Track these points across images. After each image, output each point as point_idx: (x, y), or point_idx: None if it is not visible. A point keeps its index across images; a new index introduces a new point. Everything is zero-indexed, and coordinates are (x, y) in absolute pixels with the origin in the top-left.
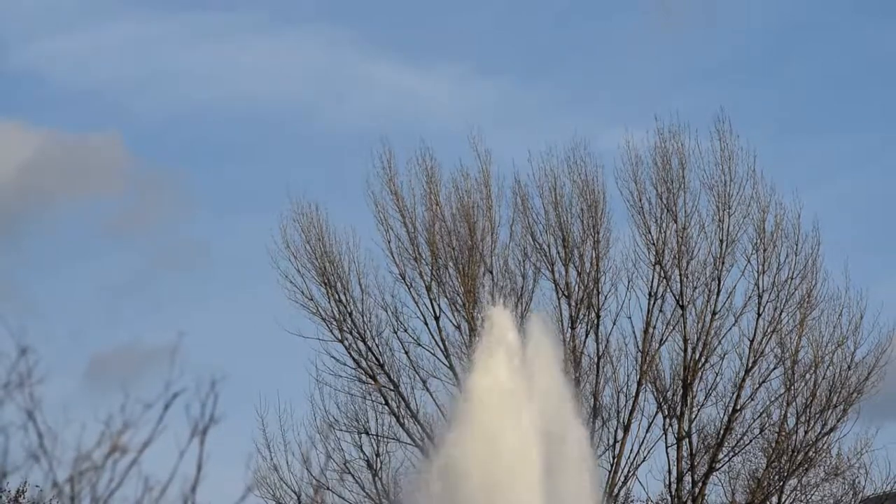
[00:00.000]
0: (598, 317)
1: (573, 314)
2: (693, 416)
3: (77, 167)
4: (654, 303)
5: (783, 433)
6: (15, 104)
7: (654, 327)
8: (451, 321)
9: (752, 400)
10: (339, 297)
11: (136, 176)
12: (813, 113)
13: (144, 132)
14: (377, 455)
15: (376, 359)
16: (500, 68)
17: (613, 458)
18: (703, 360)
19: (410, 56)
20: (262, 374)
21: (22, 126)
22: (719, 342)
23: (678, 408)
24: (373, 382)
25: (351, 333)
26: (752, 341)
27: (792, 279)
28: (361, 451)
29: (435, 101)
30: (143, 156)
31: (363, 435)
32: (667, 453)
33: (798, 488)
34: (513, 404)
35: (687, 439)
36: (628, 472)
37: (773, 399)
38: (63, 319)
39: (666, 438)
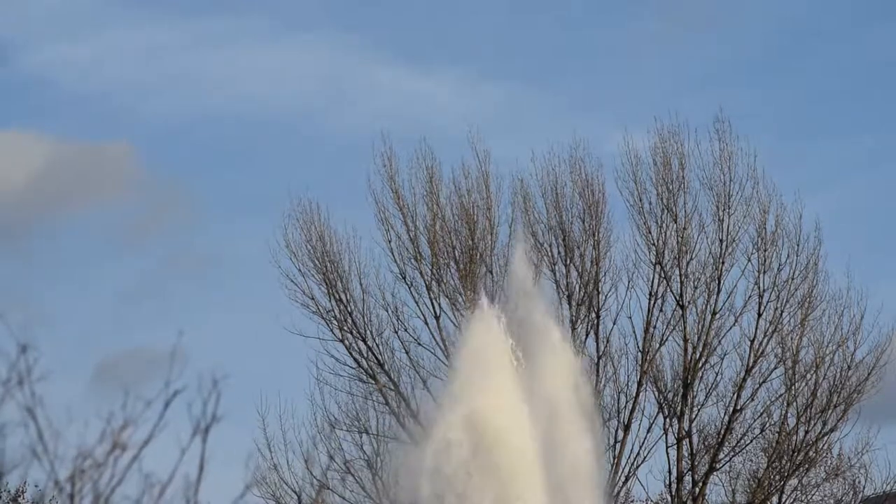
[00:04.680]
0: (598, 317)
1: (573, 314)
2: (693, 416)
3: (86, 174)
4: (655, 303)
5: (784, 433)
6: (24, 111)
7: (655, 327)
8: (451, 321)
9: (753, 400)
10: (339, 296)
11: (144, 182)
12: (814, 117)
13: (153, 138)
14: (377, 455)
15: (377, 358)
16: (504, 72)
17: (614, 458)
18: (703, 360)
19: (415, 60)
20: (262, 374)
21: (33, 135)
22: (719, 342)
23: (678, 408)
24: (373, 382)
25: (351, 333)
26: (752, 341)
27: (793, 279)
28: (361, 450)
29: (439, 104)
30: (151, 162)
31: (363, 434)
32: (667, 453)
33: (798, 488)
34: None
35: (687, 439)
36: (628, 472)
37: (773, 399)
38: (72, 326)
39: (666, 438)
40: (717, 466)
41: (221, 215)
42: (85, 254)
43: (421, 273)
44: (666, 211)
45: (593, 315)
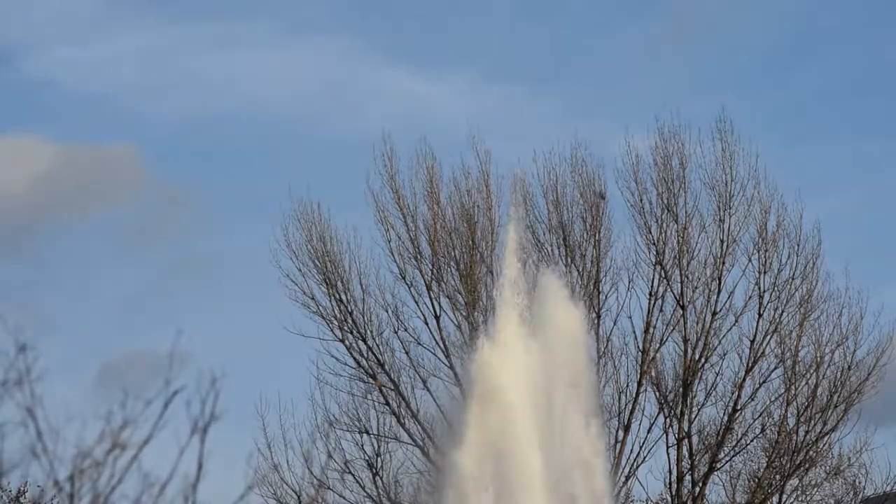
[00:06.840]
0: (598, 316)
1: None
2: (693, 416)
3: (89, 177)
4: (655, 303)
5: (783, 433)
6: (28, 113)
7: (655, 327)
8: (451, 321)
9: (753, 400)
10: (339, 296)
11: (147, 184)
12: (815, 118)
13: (156, 140)
14: (377, 455)
15: (377, 358)
16: (506, 75)
17: (614, 458)
18: (703, 360)
19: (417, 62)
20: (262, 374)
21: (36, 137)
22: (719, 342)
23: (678, 408)
24: (373, 382)
25: (352, 333)
26: (752, 341)
27: (793, 279)
28: (362, 450)
29: (441, 107)
30: (154, 164)
31: (364, 434)
32: (667, 453)
33: (798, 488)
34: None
35: (687, 439)
36: (629, 472)
37: (773, 399)
38: (76, 328)
39: (666, 438)
40: (717, 466)
41: (224, 216)
42: (88, 256)
43: (421, 273)
44: (666, 211)
45: (594, 315)
